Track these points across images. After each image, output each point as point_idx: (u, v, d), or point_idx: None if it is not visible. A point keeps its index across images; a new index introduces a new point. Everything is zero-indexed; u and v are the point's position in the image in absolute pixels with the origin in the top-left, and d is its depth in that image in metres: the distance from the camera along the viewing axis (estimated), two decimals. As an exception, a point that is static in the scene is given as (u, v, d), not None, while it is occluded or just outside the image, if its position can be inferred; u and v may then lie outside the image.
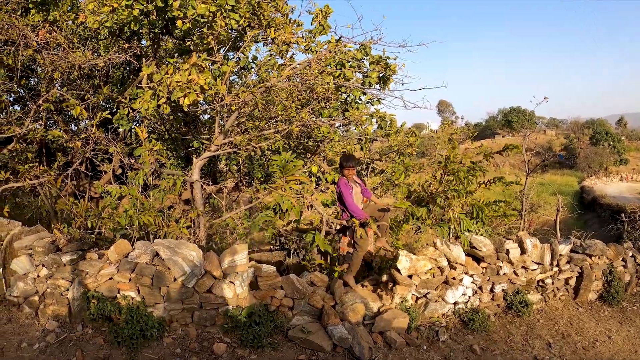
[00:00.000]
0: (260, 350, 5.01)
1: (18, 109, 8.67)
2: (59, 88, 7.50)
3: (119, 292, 4.94)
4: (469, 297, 6.26)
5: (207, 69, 5.82)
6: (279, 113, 7.07)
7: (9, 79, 7.32)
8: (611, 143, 55.79)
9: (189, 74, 5.36)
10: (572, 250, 7.05)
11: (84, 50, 6.81)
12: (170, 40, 8.09)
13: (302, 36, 7.34)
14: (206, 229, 6.55)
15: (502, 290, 6.48)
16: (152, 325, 4.83)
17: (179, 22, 5.83)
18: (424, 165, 9.31)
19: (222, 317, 5.15)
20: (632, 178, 48.73)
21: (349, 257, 6.22)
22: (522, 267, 6.51)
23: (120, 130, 8.13)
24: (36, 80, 8.65)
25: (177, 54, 7.37)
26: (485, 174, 6.58)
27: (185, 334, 5.04)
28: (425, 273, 5.79)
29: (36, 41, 6.47)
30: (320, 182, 8.05)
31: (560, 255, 6.79)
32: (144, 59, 7.34)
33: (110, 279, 4.95)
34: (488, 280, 6.30)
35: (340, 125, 8.72)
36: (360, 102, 7.78)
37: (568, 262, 6.95)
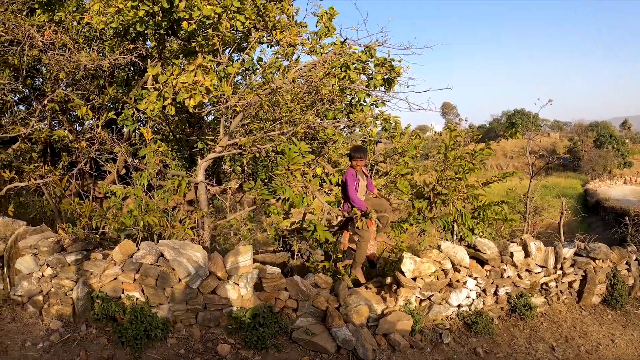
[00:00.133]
0: (264, 351, 5.01)
1: (23, 108, 8.70)
2: (64, 88, 7.53)
3: (123, 293, 4.94)
4: (473, 299, 6.25)
5: (213, 70, 5.83)
6: (284, 115, 7.07)
7: (14, 78, 7.34)
8: (615, 146, 55.54)
9: (195, 75, 5.37)
10: (576, 254, 7.04)
11: (89, 51, 6.83)
12: (176, 42, 8.10)
13: (308, 38, 7.35)
14: (210, 229, 6.56)
15: (506, 293, 6.47)
16: (156, 325, 4.84)
17: (184, 24, 5.82)
18: (428, 168, 9.30)
19: (226, 318, 5.15)
20: (636, 181, 48.50)
21: (350, 253, 6.21)
22: (526, 270, 6.50)
23: (125, 130, 8.14)
24: (41, 80, 8.67)
25: (182, 55, 7.39)
26: (485, 165, 6.57)
27: (189, 335, 5.04)
28: (429, 275, 5.79)
29: (41, 41, 6.49)
30: (324, 184, 8.05)
31: (564, 258, 6.78)
32: (149, 60, 7.36)
33: (115, 279, 4.96)
34: (492, 283, 6.29)
35: (344, 127, 8.72)
36: (364, 104, 7.77)
37: (572, 266, 6.94)
